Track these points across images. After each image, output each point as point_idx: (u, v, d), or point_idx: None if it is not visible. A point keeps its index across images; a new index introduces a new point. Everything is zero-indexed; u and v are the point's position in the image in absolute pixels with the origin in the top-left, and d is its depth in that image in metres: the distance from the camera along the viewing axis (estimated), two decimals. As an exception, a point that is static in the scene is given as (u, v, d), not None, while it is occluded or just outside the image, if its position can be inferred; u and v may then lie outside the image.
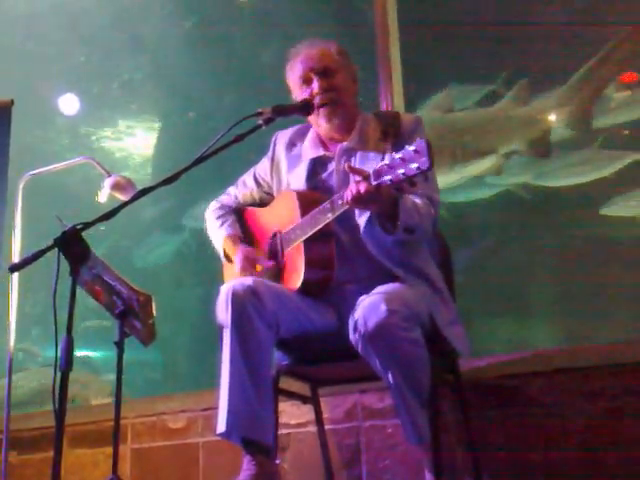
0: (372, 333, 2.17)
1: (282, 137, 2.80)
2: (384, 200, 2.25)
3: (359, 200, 2.22)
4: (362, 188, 2.19)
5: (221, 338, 2.36)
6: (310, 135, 2.71)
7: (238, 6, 8.65)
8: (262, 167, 2.83)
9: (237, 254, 2.65)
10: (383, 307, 2.18)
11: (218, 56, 8.59)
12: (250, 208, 2.83)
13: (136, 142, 9.88)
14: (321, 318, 2.49)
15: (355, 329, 2.21)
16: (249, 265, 2.60)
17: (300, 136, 2.75)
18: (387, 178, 2.12)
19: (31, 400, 5.89)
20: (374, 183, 2.16)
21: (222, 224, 2.76)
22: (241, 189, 2.87)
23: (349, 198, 2.24)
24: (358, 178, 2.21)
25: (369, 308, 2.20)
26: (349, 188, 2.24)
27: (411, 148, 2.05)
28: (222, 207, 2.84)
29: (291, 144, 2.75)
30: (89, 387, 5.86)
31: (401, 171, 2.07)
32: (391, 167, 2.10)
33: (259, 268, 2.59)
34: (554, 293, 6.53)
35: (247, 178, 2.87)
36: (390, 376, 2.22)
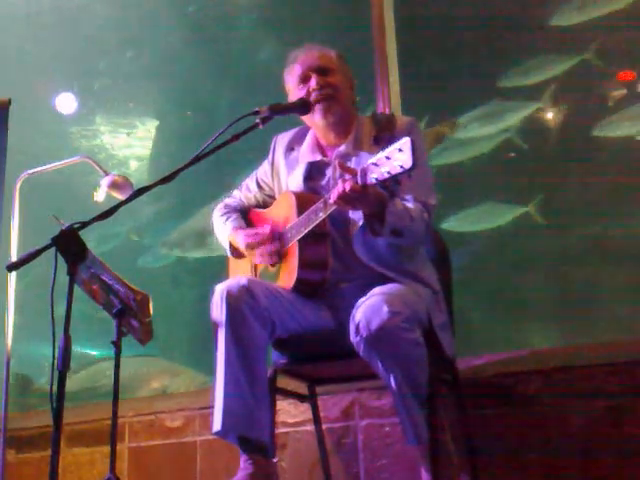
0: (375, 335, 2.17)
1: (281, 140, 2.80)
2: (371, 200, 2.25)
3: (345, 198, 2.21)
4: (348, 187, 2.19)
5: (216, 337, 2.37)
6: (308, 139, 2.72)
7: (235, 3, 8.64)
8: (263, 171, 2.84)
9: (240, 237, 2.66)
10: (385, 309, 2.18)
11: (215, 54, 8.58)
12: (254, 209, 2.84)
13: (116, 142, 9.84)
14: (316, 317, 2.49)
15: (357, 332, 2.21)
16: (252, 235, 2.61)
17: (298, 139, 2.75)
18: (373, 176, 2.10)
19: (123, 389, 6.01)
20: (360, 182, 2.16)
21: (227, 219, 2.78)
22: (245, 192, 2.88)
23: (335, 197, 2.24)
24: (347, 176, 2.21)
25: (371, 310, 2.20)
26: (336, 187, 2.24)
27: (396, 146, 2.04)
28: (227, 206, 2.86)
29: (289, 148, 2.76)
30: (180, 377, 5.89)
31: (385, 169, 2.06)
32: (377, 165, 2.09)
33: (262, 234, 2.58)
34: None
35: (250, 182, 2.88)
36: (392, 378, 2.22)
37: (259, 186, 2.85)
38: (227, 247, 2.76)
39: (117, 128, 9.81)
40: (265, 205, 2.82)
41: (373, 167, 2.10)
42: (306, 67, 2.61)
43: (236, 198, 2.89)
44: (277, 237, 2.57)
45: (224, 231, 2.77)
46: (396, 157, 2.03)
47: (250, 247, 2.61)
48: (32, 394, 5.96)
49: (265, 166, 2.84)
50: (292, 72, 2.66)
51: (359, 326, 2.20)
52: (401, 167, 2.02)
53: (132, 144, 9.87)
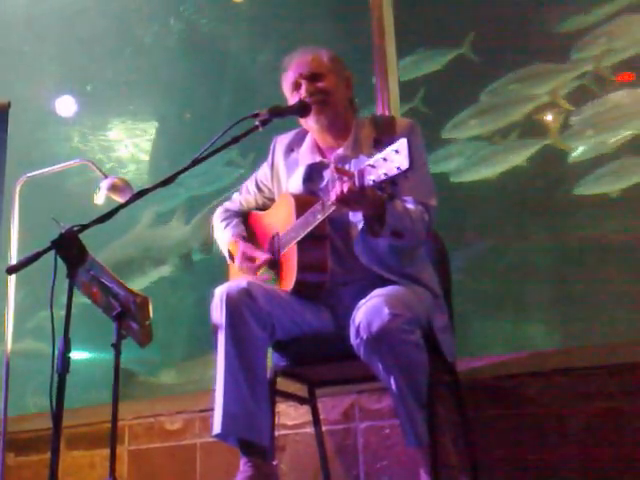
0: (376, 337, 2.17)
1: (281, 142, 2.80)
2: (369, 201, 2.24)
3: (343, 200, 2.21)
4: (345, 188, 2.19)
5: (216, 340, 2.37)
6: (307, 140, 2.71)
7: (234, 6, 8.63)
8: (263, 173, 2.84)
9: (237, 251, 2.66)
10: (386, 311, 2.18)
11: (214, 57, 8.59)
12: (254, 212, 2.84)
13: (97, 144, 9.81)
14: (316, 319, 2.49)
15: (357, 334, 2.20)
16: (246, 260, 2.61)
17: (298, 141, 2.75)
18: (370, 178, 2.10)
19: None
20: (357, 183, 2.16)
21: (227, 225, 2.78)
22: (245, 195, 2.88)
23: (333, 198, 2.24)
24: (345, 178, 2.21)
25: (372, 312, 2.19)
26: (334, 189, 2.24)
27: (393, 148, 2.03)
28: (227, 211, 2.86)
29: (289, 149, 2.76)
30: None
31: (382, 171, 2.05)
32: (374, 167, 2.09)
33: (257, 261, 2.58)
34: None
35: (249, 184, 2.88)
36: (392, 380, 2.22)
37: (259, 188, 2.84)
38: (226, 254, 2.77)
39: (94, 131, 9.78)
40: (265, 207, 2.82)
41: (370, 169, 2.10)
42: (297, 74, 2.62)
43: (235, 202, 2.89)
44: (272, 265, 2.58)
45: (224, 237, 2.77)
46: (393, 158, 2.02)
47: (242, 271, 2.61)
48: (137, 385, 6.71)
49: (265, 168, 2.83)
50: (287, 78, 2.66)
51: (359, 328, 2.20)
52: (398, 168, 2.01)
53: (113, 147, 9.85)
